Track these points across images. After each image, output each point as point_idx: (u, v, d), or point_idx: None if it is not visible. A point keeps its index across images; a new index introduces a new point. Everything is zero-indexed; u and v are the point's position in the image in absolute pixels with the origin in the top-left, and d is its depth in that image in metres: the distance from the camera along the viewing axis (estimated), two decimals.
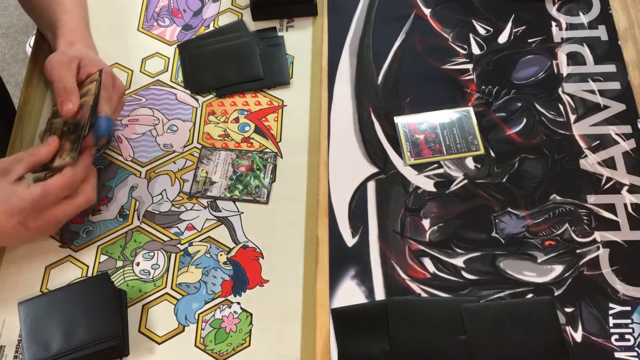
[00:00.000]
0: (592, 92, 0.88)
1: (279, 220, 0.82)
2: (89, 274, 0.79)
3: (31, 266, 0.80)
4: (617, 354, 0.71)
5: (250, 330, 0.75)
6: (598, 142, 0.85)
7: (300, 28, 0.97)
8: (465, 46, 0.94)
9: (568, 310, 0.74)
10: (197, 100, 0.92)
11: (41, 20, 0.93)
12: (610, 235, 0.78)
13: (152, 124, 0.90)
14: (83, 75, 0.83)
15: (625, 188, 0.81)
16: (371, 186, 0.84)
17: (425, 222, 0.81)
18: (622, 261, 0.76)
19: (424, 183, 0.83)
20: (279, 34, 0.97)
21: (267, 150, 0.87)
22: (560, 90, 0.89)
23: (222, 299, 0.77)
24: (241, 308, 0.76)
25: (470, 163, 0.84)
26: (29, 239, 0.79)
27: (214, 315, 0.76)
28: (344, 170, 0.85)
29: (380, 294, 0.76)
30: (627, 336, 0.72)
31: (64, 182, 0.74)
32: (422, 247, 0.79)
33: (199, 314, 0.76)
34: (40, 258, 0.80)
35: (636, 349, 0.71)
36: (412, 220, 0.81)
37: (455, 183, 0.83)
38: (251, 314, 0.76)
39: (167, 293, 0.78)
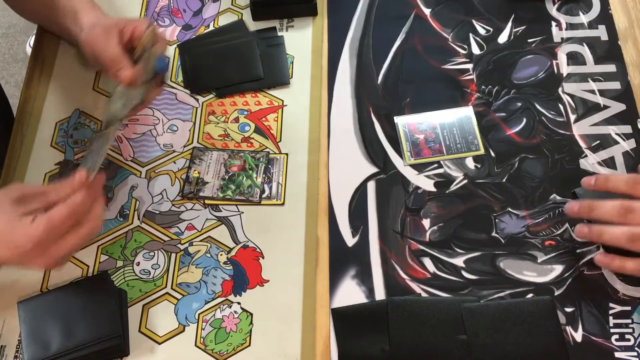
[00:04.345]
0: (592, 92, 0.88)
1: (279, 220, 0.82)
2: (89, 274, 0.79)
3: None
4: (617, 354, 0.71)
5: (251, 330, 0.75)
6: (598, 142, 0.85)
7: (300, 28, 0.97)
8: (465, 46, 0.94)
9: (568, 310, 0.74)
10: (197, 100, 0.92)
11: (56, 12, 0.89)
12: None
13: (152, 124, 0.90)
14: (126, 37, 0.80)
15: None
16: (371, 186, 0.84)
17: (425, 222, 0.81)
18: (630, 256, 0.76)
19: (424, 183, 0.83)
20: (279, 33, 0.97)
21: (259, 149, 0.87)
22: (560, 90, 0.89)
23: (223, 298, 0.77)
24: (241, 308, 0.76)
25: (470, 163, 0.84)
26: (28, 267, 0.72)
27: (214, 315, 0.76)
28: (344, 170, 0.85)
29: (380, 294, 0.76)
30: (627, 336, 0.72)
31: (68, 212, 0.69)
32: (422, 247, 0.79)
33: (199, 314, 0.76)
34: None
35: (636, 348, 0.71)
36: (412, 220, 0.81)
37: (455, 183, 0.83)
38: (251, 314, 0.76)
39: (167, 293, 0.78)
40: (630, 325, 0.73)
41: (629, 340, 0.72)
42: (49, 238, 0.68)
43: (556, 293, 0.75)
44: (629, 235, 0.70)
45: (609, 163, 0.83)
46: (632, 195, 0.72)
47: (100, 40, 0.79)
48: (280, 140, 0.88)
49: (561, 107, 0.88)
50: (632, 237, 0.70)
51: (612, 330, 0.73)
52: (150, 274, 0.79)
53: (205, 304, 0.77)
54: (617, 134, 0.85)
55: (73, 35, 0.86)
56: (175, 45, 0.97)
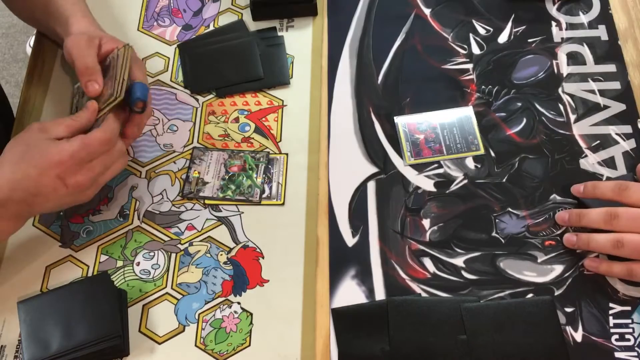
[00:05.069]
0: (592, 92, 0.88)
1: (279, 220, 0.82)
2: (90, 274, 0.79)
3: (31, 266, 0.80)
4: (617, 354, 0.71)
5: (251, 330, 0.75)
6: (598, 142, 0.85)
7: (300, 28, 0.97)
8: (465, 46, 0.94)
9: (568, 310, 0.74)
10: (197, 100, 0.92)
11: (46, 16, 0.90)
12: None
13: (152, 124, 0.90)
14: (104, 51, 0.82)
15: None
16: (371, 186, 0.84)
17: (426, 222, 0.81)
18: (622, 260, 0.76)
19: (424, 183, 0.83)
20: (279, 33, 0.97)
21: (259, 149, 0.87)
22: (560, 90, 0.89)
23: (223, 298, 0.77)
24: (241, 308, 0.76)
25: (470, 163, 0.84)
26: (67, 200, 0.75)
27: (214, 315, 0.76)
28: (344, 170, 0.85)
29: (380, 294, 0.76)
30: (627, 336, 0.72)
31: (103, 136, 0.74)
32: (422, 247, 0.79)
33: (199, 314, 0.76)
34: (40, 258, 0.81)
35: (636, 349, 0.71)
36: (412, 220, 0.81)
37: (455, 183, 0.83)
38: (251, 314, 0.76)
39: (167, 293, 0.78)
40: (630, 325, 0.73)
41: (629, 340, 0.72)
42: (84, 154, 0.73)
43: (556, 293, 0.75)
44: (613, 242, 0.72)
45: (609, 163, 0.83)
46: (619, 201, 0.74)
47: (81, 47, 0.81)
48: (280, 140, 0.88)
49: (561, 107, 0.88)
50: (616, 243, 0.72)
51: (612, 330, 0.73)
52: (150, 274, 0.79)
53: (205, 304, 0.77)
54: (617, 134, 0.85)
55: (61, 41, 0.87)
56: (175, 45, 0.97)
